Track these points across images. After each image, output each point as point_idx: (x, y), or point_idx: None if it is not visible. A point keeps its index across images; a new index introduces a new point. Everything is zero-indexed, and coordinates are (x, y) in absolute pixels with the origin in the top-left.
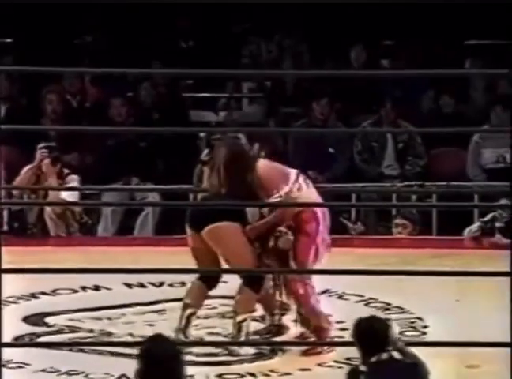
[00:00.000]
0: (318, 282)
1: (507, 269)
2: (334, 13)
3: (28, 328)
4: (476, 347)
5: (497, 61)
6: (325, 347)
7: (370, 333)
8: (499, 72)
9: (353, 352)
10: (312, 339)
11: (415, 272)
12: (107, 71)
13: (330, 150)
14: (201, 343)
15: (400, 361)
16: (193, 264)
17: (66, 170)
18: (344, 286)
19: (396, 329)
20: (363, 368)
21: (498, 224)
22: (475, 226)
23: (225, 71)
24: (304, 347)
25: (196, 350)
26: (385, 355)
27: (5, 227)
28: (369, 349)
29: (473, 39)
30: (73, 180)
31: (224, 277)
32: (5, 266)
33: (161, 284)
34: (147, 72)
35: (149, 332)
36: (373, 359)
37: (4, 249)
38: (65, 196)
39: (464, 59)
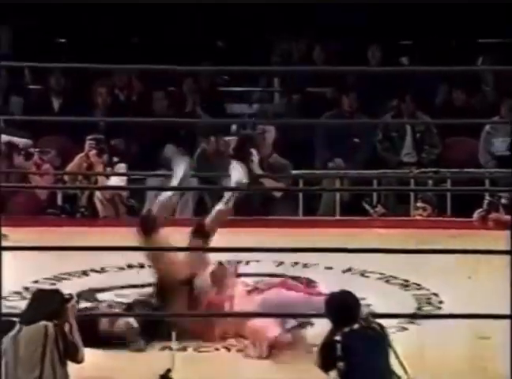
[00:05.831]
0: (340, 260)
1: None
2: (358, 16)
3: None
4: (487, 318)
5: (507, 58)
6: None
7: (344, 306)
8: (509, 68)
9: None
10: None
11: (431, 250)
12: (152, 68)
13: (355, 140)
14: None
15: (369, 329)
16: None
17: (115, 159)
18: (366, 264)
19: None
20: (338, 337)
21: (503, 201)
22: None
23: (258, 67)
24: None
25: None
26: (356, 325)
27: (58, 210)
28: (342, 320)
29: (485, 37)
30: (121, 168)
31: None
32: (56, 244)
33: None
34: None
35: None
36: (346, 329)
37: (56, 229)
38: (114, 182)
39: (477, 56)
